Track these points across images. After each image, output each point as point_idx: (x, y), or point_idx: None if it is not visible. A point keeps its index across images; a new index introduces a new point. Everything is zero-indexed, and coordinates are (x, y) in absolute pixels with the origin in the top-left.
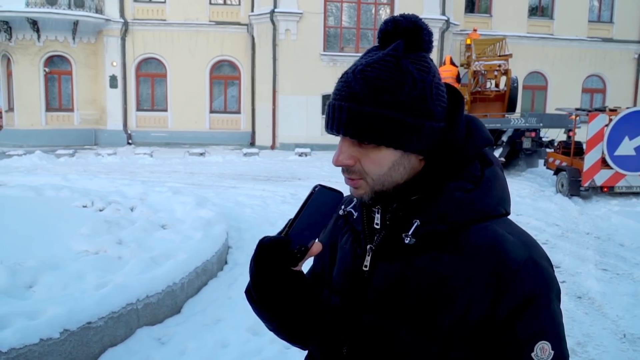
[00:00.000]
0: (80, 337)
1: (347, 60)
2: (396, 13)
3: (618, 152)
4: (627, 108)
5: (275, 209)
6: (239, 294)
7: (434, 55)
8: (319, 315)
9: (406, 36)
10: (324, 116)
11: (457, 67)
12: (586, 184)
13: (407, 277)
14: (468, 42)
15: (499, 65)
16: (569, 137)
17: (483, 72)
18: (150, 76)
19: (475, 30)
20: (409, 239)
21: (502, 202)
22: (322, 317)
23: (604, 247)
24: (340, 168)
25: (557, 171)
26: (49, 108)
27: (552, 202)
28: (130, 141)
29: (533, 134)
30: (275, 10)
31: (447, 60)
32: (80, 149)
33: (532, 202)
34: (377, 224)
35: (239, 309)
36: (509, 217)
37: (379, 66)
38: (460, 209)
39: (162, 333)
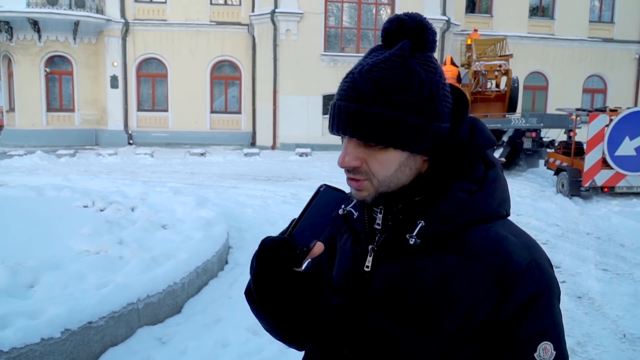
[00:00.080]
0: (81, 336)
1: (347, 60)
2: (397, 13)
3: (618, 153)
4: (628, 108)
5: (275, 209)
6: (240, 293)
7: (434, 56)
8: (319, 316)
9: (411, 35)
10: (328, 117)
11: (457, 67)
12: (587, 184)
13: (409, 278)
14: (469, 42)
15: (500, 66)
16: (569, 137)
17: (484, 72)
18: (151, 76)
19: (475, 30)
20: (413, 239)
21: (503, 204)
22: (322, 317)
23: (604, 247)
24: (342, 168)
25: (558, 171)
26: (49, 108)
27: (553, 202)
28: (131, 141)
29: (534, 134)
30: (276, 10)
31: (447, 60)
32: (81, 149)
33: (533, 202)
34: (378, 224)
35: (240, 308)
36: (508, 217)
37: (386, 66)
38: (464, 211)
39: (162, 333)
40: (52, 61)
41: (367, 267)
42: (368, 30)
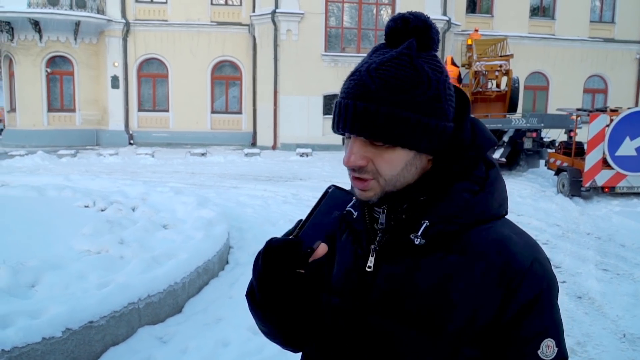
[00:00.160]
0: (82, 336)
1: (348, 60)
2: (398, 12)
3: (619, 153)
4: (629, 108)
5: (276, 209)
6: (240, 293)
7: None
8: (319, 317)
9: (417, 35)
10: (332, 116)
11: (458, 67)
12: (587, 185)
13: (413, 278)
14: (469, 42)
15: (500, 66)
16: (570, 137)
17: (484, 72)
18: (152, 76)
19: (476, 30)
20: (419, 239)
21: (503, 203)
22: (322, 318)
23: (604, 247)
24: (344, 167)
25: (558, 171)
26: (50, 108)
27: (553, 202)
28: (131, 141)
29: (534, 135)
30: (277, 10)
31: (448, 60)
32: (82, 149)
33: (533, 202)
34: (382, 223)
35: (240, 308)
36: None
37: (394, 65)
38: (467, 210)
39: (163, 332)
40: (53, 61)
41: (369, 267)
42: (369, 30)
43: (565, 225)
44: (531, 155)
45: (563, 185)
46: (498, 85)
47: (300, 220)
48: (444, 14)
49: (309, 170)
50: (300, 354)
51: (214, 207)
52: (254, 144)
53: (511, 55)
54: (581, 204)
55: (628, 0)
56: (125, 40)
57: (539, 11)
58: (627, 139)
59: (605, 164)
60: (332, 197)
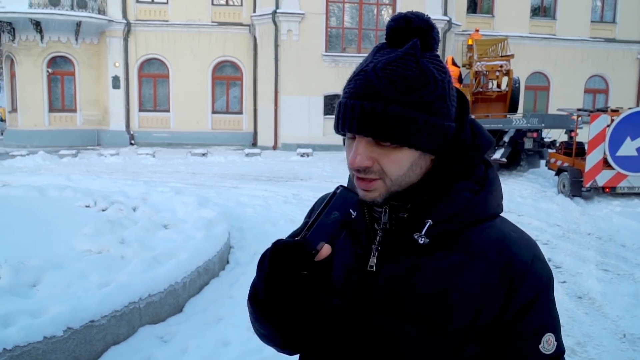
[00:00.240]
0: (84, 335)
1: (349, 60)
2: (399, 12)
3: (620, 153)
4: (629, 108)
5: (277, 209)
6: (241, 293)
7: None
8: (319, 318)
9: (420, 35)
10: (335, 116)
11: (459, 67)
12: (588, 185)
13: (415, 277)
14: (470, 42)
15: (501, 66)
16: (570, 137)
17: (485, 72)
18: (153, 77)
19: (477, 30)
20: (423, 239)
21: (500, 202)
22: (323, 320)
23: (605, 247)
24: (344, 167)
25: (559, 172)
26: (52, 109)
27: (554, 202)
28: (132, 141)
29: (535, 135)
30: (277, 10)
31: (448, 60)
32: (83, 149)
33: (534, 202)
34: (384, 223)
35: (240, 308)
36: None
37: (399, 65)
38: (469, 209)
39: (164, 331)
40: (54, 62)
41: (371, 267)
42: (369, 30)
43: (565, 226)
44: (532, 156)
45: (564, 186)
46: (499, 86)
47: (307, 221)
48: (445, 14)
49: (310, 170)
50: (297, 354)
51: (214, 207)
52: (254, 144)
53: (512, 56)
54: (582, 204)
55: (629, 0)
56: (126, 40)
57: (540, 11)
58: (628, 139)
59: (606, 164)
60: (339, 198)
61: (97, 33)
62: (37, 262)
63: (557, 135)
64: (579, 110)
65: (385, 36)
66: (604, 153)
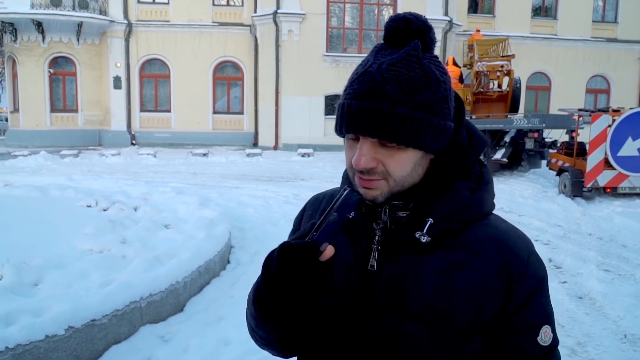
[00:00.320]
0: (85, 334)
1: (350, 61)
2: (398, 12)
3: (621, 153)
4: (631, 108)
5: (277, 209)
6: (241, 292)
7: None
8: (319, 319)
9: (419, 36)
10: (337, 117)
11: (459, 67)
12: (589, 185)
13: (417, 276)
14: (471, 42)
15: (502, 66)
16: (571, 137)
17: (486, 72)
18: (154, 77)
19: (478, 30)
20: (425, 237)
21: (493, 199)
22: (323, 320)
23: (606, 248)
24: (358, 170)
25: (560, 172)
26: (53, 109)
27: (555, 202)
28: (134, 142)
29: (536, 135)
30: (278, 11)
31: (449, 60)
32: (85, 149)
33: (535, 202)
34: (384, 222)
35: (241, 307)
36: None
37: (404, 66)
38: (468, 208)
39: (165, 331)
40: (55, 62)
41: (372, 266)
42: (370, 30)
43: (566, 226)
44: (533, 156)
45: (565, 186)
46: (500, 86)
47: (314, 222)
48: (446, 14)
49: (311, 170)
50: (295, 357)
51: (215, 207)
52: (255, 145)
53: (513, 56)
54: (583, 205)
55: (631, 0)
56: (127, 40)
57: (541, 11)
58: (630, 139)
59: (607, 164)
60: (345, 199)
61: (99, 33)
62: (39, 262)
63: (558, 135)
64: (580, 110)
65: (383, 37)
66: (605, 153)
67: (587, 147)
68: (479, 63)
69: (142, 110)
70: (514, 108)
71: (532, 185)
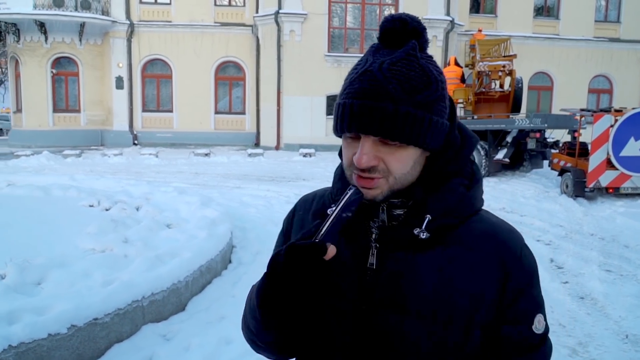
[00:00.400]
0: (87, 332)
1: (351, 61)
2: (392, 13)
3: (623, 153)
4: (633, 109)
5: (279, 209)
6: (243, 292)
7: (438, 56)
8: (320, 319)
9: (415, 36)
10: (338, 116)
11: (461, 67)
12: (591, 185)
13: (416, 273)
14: (472, 42)
15: (504, 66)
16: (574, 137)
17: (487, 72)
18: (156, 77)
19: (480, 30)
20: (424, 234)
21: (482, 196)
22: (324, 320)
23: (608, 248)
24: (360, 168)
25: (562, 172)
26: (56, 109)
27: (557, 203)
28: (136, 142)
29: (538, 135)
30: (280, 11)
31: (451, 60)
32: (87, 149)
33: (537, 203)
34: (382, 220)
35: (242, 307)
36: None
37: (404, 66)
38: (463, 204)
39: (167, 330)
40: (58, 62)
41: (372, 264)
42: (372, 30)
43: (568, 226)
44: (535, 156)
45: (567, 186)
46: (501, 86)
47: (319, 222)
48: (447, 14)
49: (312, 170)
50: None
51: (217, 206)
52: (257, 145)
53: (514, 56)
54: (585, 205)
55: (633, 0)
56: (129, 41)
57: (543, 11)
58: (632, 139)
59: (609, 164)
60: (350, 199)
61: (101, 34)
62: (42, 261)
63: (560, 135)
64: (582, 110)
65: (379, 37)
66: (608, 153)
67: (589, 147)
68: (480, 63)
69: (144, 110)
70: (516, 108)
71: (534, 186)
